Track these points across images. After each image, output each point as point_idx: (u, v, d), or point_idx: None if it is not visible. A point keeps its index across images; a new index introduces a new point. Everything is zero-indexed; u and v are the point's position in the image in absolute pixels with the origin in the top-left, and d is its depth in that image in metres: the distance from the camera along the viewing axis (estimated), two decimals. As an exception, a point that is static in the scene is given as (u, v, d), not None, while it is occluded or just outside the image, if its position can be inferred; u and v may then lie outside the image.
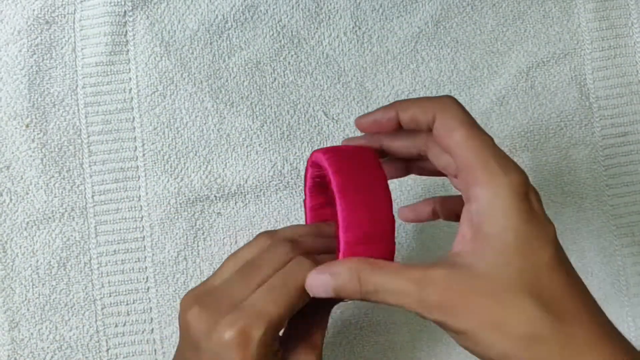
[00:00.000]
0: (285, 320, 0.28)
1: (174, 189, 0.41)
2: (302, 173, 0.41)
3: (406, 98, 0.32)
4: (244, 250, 0.31)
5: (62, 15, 0.40)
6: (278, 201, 0.41)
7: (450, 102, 0.26)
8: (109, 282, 0.40)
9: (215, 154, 0.41)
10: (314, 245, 0.31)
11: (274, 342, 0.27)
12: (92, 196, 0.40)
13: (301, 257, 0.29)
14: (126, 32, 0.41)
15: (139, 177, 0.41)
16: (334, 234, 0.30)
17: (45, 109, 0.40)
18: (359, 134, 0.41)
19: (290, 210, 0.41)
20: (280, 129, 0.41)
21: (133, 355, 0.40)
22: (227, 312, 0.27)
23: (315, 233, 0.32)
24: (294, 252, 0.29)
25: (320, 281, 0.26)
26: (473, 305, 0.24)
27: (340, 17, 0.41)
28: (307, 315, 0.30)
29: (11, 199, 0.40)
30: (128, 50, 0.41)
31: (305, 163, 0.41)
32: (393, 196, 0.28)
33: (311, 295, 0.27)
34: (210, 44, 0.41)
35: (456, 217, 0.28)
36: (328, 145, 0.41)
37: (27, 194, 0.40)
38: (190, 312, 0.28)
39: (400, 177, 0.32)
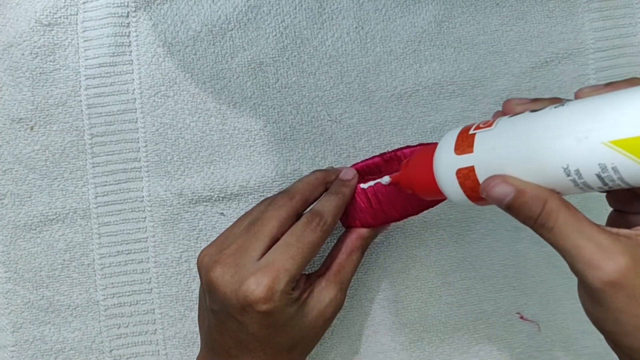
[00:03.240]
0: (301, 272, 0.32)
1: (177, 190, 0.41)
2: (304, 173, 0.41)
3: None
4: (252, 210, 0.36)
5: (65, 17, 0.40)
6: (281, 202, 0.41)
7: None
8: (112, 284, 0.40)
9: (217, 155, 0.41)
10: (311, 195, 0.36)
11: (293, 291, 0.32)
12: (95, 198, 0.40)
13: (310, 214, 0.33)
14: (129, 33, 0.41)
15: (141, 178, 0.41)
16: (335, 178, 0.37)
17: (49, 111, 0.40)
18: (361, 137, 0.41)
19: (293, 211, 0.41)
20: (283, 130, 0.41)
21: (136, 356, 0.40)
22: (250, 271, 0.31)
23: (322, 179, 0.37)
24: (292, 205, 0.34)
25: (501, 190, 0.26)
26: None
27: (343, 18, 0.41)
28: (340, 255, 0.36)
29: (14, 202, 0.40)
30: (131, 52, 0.41)
31: (308, 163, 0.41)
32: None
33: (483, 197, 0.27)
34: (213, 44, 0.41)
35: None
36: (330, 145, 0.41)
37: (30, 196, 0.40)
38: (213, 272, 0.32)
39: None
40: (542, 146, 0.25)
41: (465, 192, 0.28)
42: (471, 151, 0.27)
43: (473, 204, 0.29)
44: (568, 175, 0.24)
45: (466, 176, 0.28)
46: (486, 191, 0.26)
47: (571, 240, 0.24)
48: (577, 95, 0.26)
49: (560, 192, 0.25)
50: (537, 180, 0.25)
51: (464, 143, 0.28)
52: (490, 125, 0.27)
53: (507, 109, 0.29)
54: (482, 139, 0.27)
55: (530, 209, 0.25)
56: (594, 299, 0.25)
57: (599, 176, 0.23)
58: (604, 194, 0.29)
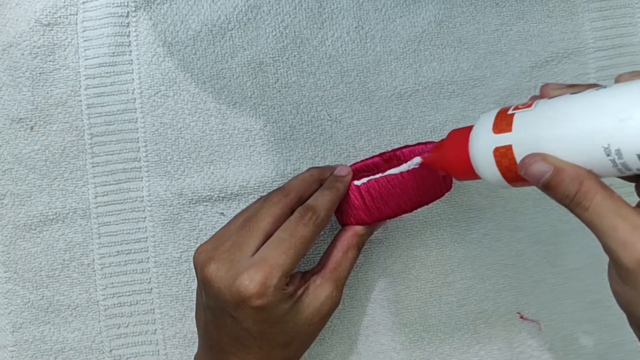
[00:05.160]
0: (294, 267, 0.32)
1: (177, 189, 0.41)
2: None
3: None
4: (247, 207, 0.36)
5: (64, 17, 0.40)
6: (281, 202, 0.41)
7: None
8: (111, 284, 0.40)
9: (217, 155, 0.41)
10: (306, 192, 0.36)
11: (286, 286, 0.32)
12: (95, 197, 0.40)
13: (302, 209, 0.34)
14: (129, 33, 0.41)
15: (141, 178, 0.41)
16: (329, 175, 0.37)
17: (49, 111, 0.40)
18: (361, 137, 0.41)
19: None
20: (283, 130, 0.41)
21: (136, 356, 0.40)
22: (244, 266, 0.31)
23: (317, 176, 0.37)
24: (287, 201, 0.34)
25: (540, 167, 0.26)
26: None
27: (343, 17, 0.41)
28: (335, 253, 0.36)
29: (14, 202, 0.40)
30: (131, 51, 0.41)
31: (308, 163, 0.41)
32: None
33: (521, 174, 0.27)
34: (213, 44, 0.41)
35: None
36: (330, 145, 0.41)
37: (30, 196, 0.40)
38: (208, 268, 0.32)
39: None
40: (583, 125, 0.25)
41: (501, 171, 0.28)
42: (510, 130, 0.28)
43: (507, 184, 0.29)
44: (608, 155, 0.24)
45: (503, 155, 0.28)
46: (524, 168, 0.26)
47: (607, 220, 0.25)
48: (618, 80, 0.27)
49: (598, 174, 0.26)
50: (575, 160, 0.26)
51: (503, 122, 0.28)
52: (529, 106, 0.28)
53: (545, 93, 0.29)
54: (521, 119, 0.27)
55: (567, 188, 0.25)
56: (625, 280, 0.25)
57: (639, 156, 0.24)
58: (634, 188, 0.29)
